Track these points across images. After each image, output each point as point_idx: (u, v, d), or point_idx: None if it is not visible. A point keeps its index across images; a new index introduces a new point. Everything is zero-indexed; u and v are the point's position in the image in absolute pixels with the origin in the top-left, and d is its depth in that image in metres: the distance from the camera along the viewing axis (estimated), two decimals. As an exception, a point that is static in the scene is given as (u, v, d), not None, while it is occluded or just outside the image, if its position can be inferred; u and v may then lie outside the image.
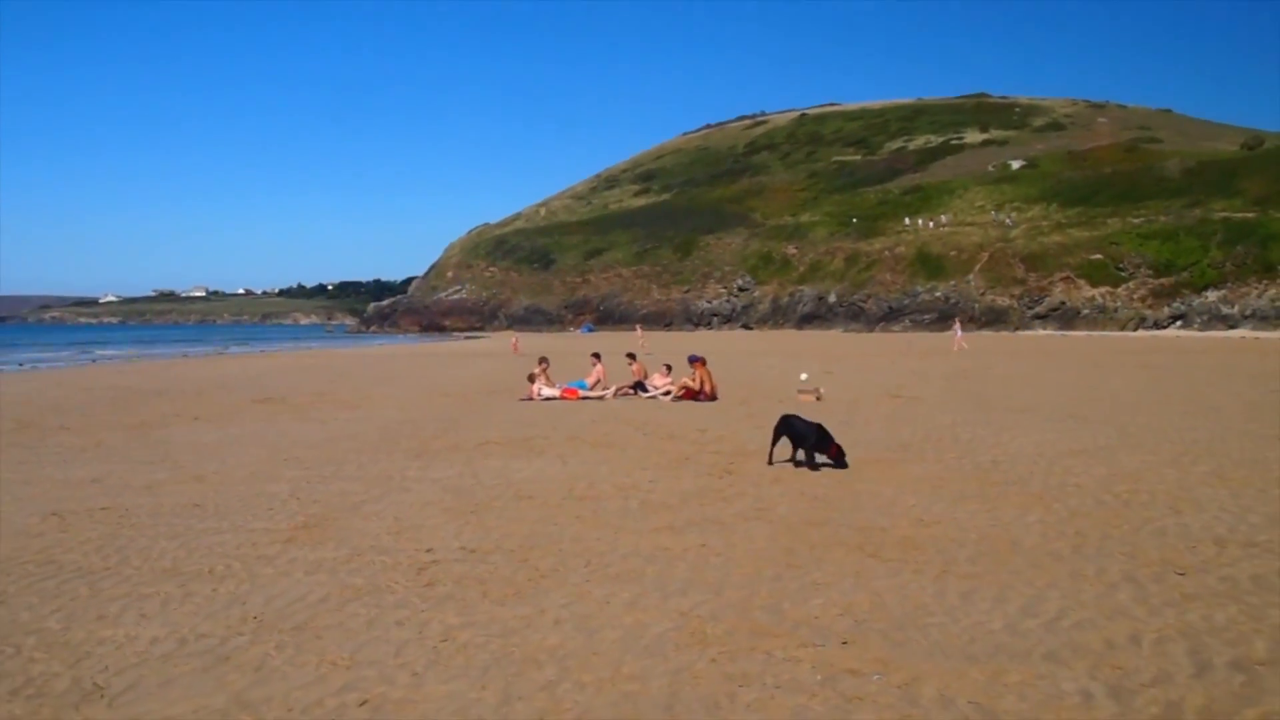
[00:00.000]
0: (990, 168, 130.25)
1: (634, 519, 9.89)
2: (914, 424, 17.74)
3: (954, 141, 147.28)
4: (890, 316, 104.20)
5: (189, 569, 8.04)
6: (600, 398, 23.85)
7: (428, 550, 8.57)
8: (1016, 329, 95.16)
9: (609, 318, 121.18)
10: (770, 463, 13.26)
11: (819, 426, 13.32)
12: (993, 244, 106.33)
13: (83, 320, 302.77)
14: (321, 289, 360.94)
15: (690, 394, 22.72)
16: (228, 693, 5.40)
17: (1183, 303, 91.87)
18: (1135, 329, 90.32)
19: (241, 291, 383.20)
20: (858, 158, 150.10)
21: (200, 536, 9.20)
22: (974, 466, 13.00)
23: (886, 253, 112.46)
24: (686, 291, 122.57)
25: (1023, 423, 17.97)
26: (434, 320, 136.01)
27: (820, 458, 13.05)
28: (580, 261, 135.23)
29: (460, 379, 33.16)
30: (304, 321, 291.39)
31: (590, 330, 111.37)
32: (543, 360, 24.95)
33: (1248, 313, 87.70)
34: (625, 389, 24.36)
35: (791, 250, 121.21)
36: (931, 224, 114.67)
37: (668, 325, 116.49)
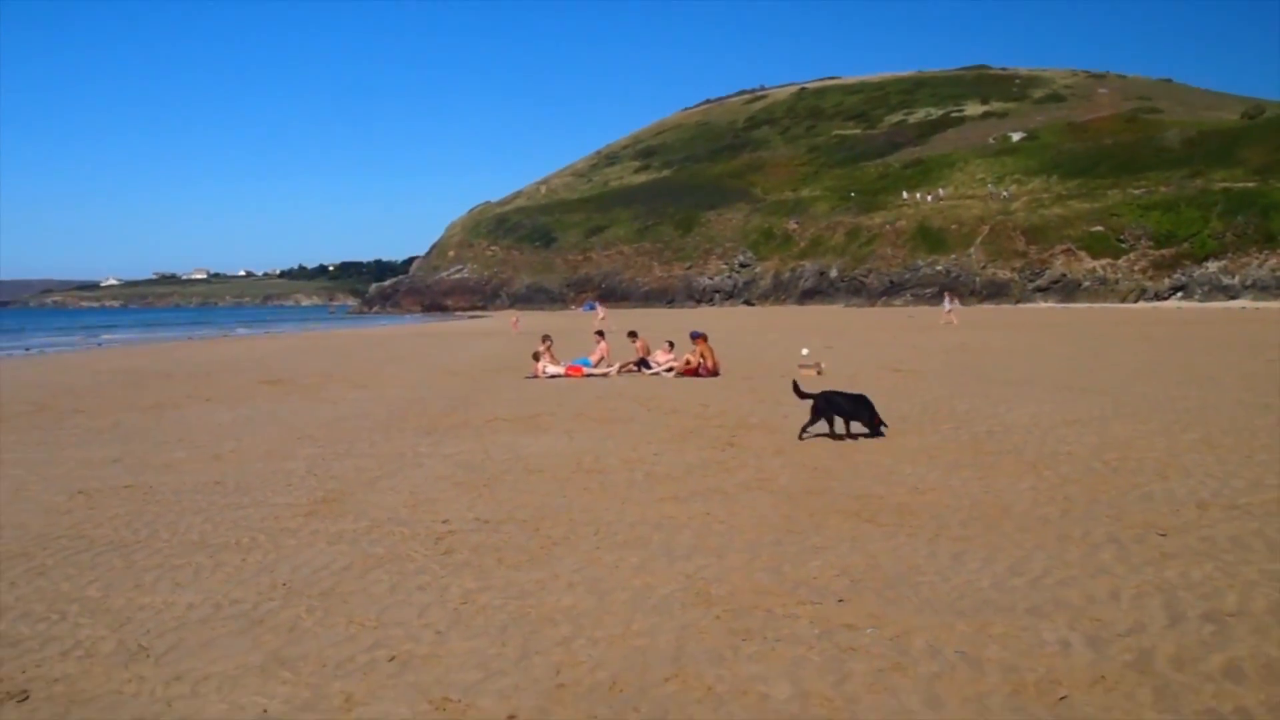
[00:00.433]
0: (991, 140, 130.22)
1: (640, 490, 10.26)
2: (912, 397, 18.09)
3: (954, 114, 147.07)
4: (891, 291, 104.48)
5: (216, 541, 8.42)
6: (604, 375, 24.22)
7: (444, 521, 8.95)
8: (1018, 302, 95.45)
9: (611, 295, 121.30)
10: (801, 438, 13.46)
11: (862, 396, 13.77)
12: (993, 217, 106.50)
13: (84, 304, 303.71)
14: (323, 270, 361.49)
15: (692, 370, 23.09)
16: (264, 651, 5.79)
17: (1183, 274, 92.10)
18: (1136, 301, 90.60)
19: (242, 273, 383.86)
20: (858, 131, 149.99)
21: (224, 511, 9.59)
22: (970, 437, 13.36)
23: (887, 227, 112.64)
24: (688, 268, 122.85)
25: (1020, 394, 18.32)
26: (436, 300, 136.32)
27: (855, 425, 13.48)
28: (582, 239, 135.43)
29: (465, 358, 33.54)
30: (306, 303, 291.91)
31: (593, 308, 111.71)
32: (546, 338, 25.30)
33: (1248, 283, 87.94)
34: (629, 366, 24.73)
35: (792, 225, 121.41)
36: (930, 198, 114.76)
37: (670, 302, 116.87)
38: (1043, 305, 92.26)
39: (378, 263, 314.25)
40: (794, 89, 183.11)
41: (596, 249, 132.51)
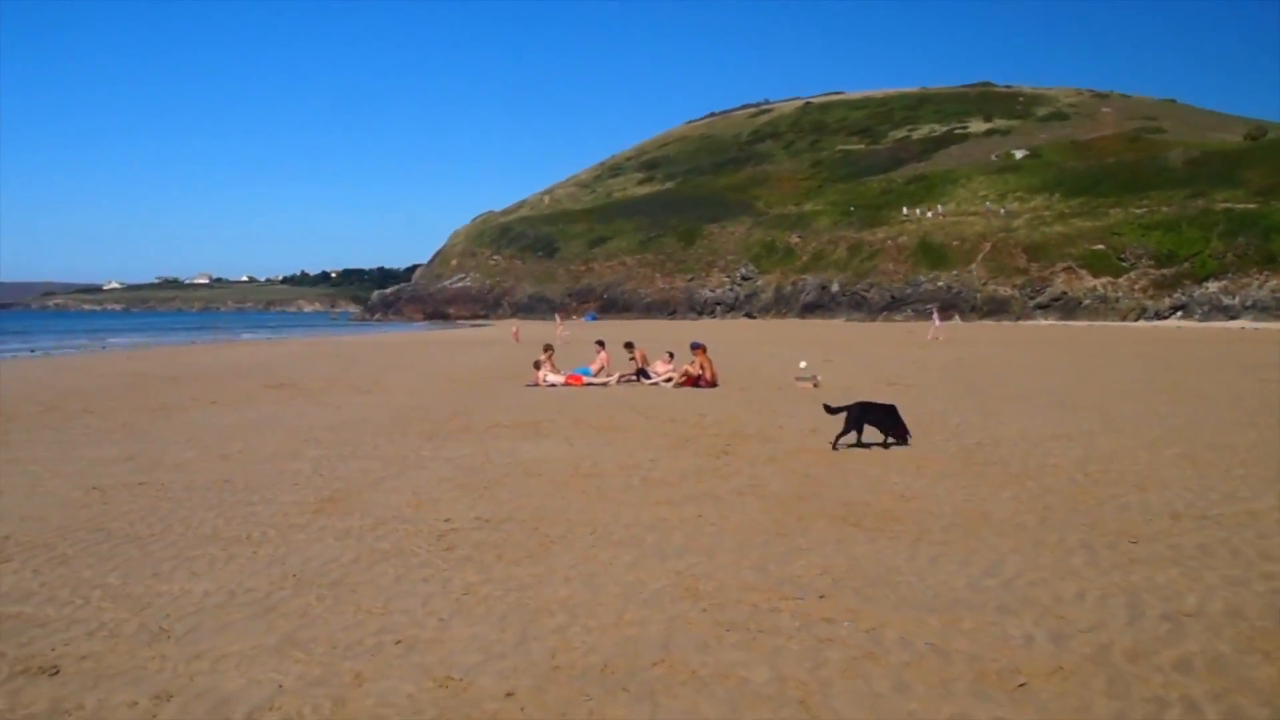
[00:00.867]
0: (994, 157, 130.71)
1: (635, 494, 10.64)
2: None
3: (958, 131, 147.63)
4: (893, 306, 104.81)
5: (228, 535, 8.80)
6: (604, 384, 24.58)
7: (446, 520, 9.33)
8: (1018, 319, 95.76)
9: (613, 306, 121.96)
10: (835, 448, 13.74)
11: (891, 407, 14.29)
12: (995, 234, 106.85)
13: (87, 307, 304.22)
14: (325, 276, 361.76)
15: (691, 380, 23.44)
16: (278, 634, 6.17)
17: (1184, 293, 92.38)
18: (1136, 319, 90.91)
19: (245, 279, 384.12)
20: (861, 147, 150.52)
21: (234, 508, 9.97)
22: (959, 449, 13.73)
23: (889, 242, 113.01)
24: (690, 280, 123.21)
25: (1012, 409, 18.69)
26: (438, 308, 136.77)
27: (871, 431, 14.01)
28: (584, 250, 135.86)
29: (467, 366, 33.91)
30: (308, 309, 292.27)
31: (594, 319, 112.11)
32: (548, 347, 25.67)
33: (1249, 304, 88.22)
34: (628, 376, 25.09)
35: (795, 239, 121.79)
36: (930, 214, 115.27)
37: (671, 314, 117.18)
38: (1043, 322, 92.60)
39: (380, 270, 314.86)
40: (798, 103, 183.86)
41: (599, 260, 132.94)
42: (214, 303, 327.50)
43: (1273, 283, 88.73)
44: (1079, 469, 12.03)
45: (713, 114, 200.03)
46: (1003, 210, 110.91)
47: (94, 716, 5.04)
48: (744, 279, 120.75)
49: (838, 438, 13.93)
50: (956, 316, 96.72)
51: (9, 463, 13.03)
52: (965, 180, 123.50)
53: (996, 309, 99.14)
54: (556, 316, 74.48)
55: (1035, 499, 10.22)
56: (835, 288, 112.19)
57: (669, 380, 23.93)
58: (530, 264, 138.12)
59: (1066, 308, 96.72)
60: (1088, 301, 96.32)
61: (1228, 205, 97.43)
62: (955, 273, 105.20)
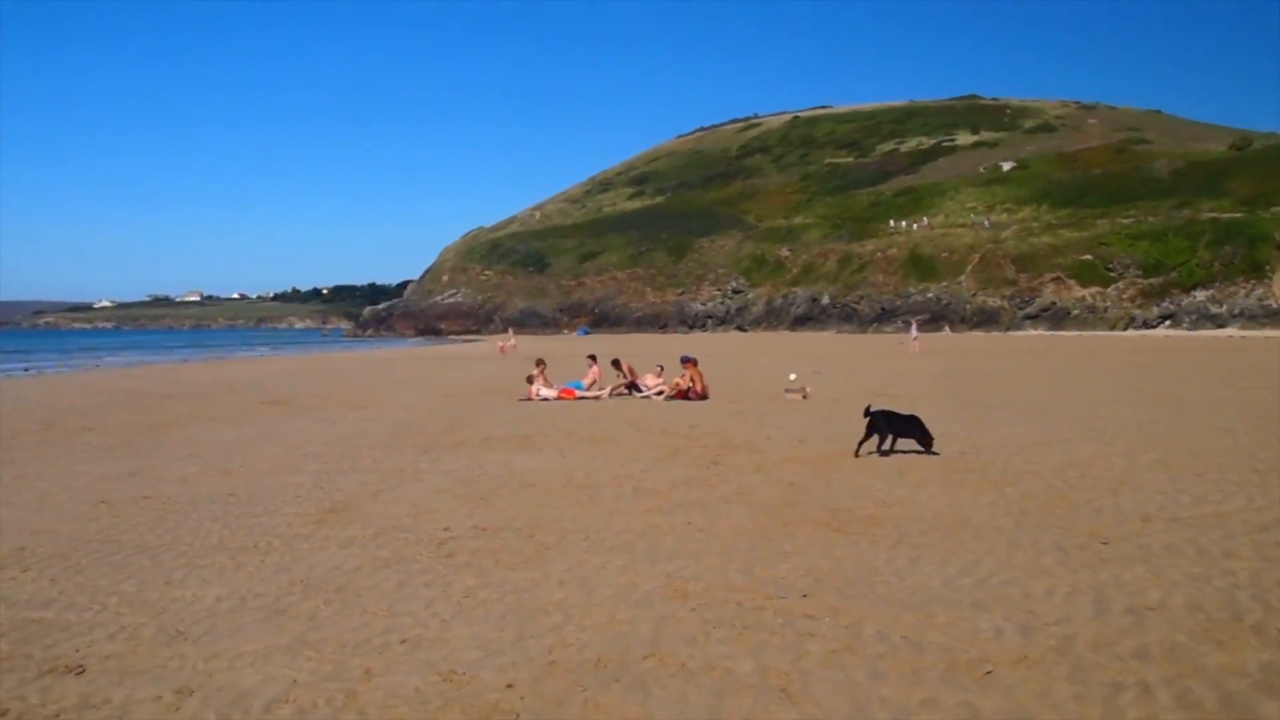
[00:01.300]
0: (981, 169, 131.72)
1: (627, 503, 11.00)
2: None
3: (945, 143, 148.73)
4: (883, 317, 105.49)
5: (235, 545, 9.14)
6: (596, 398, 24.93)
7: (445, 529, 9.68)
8: (1008, 329, 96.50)
9: (604, 320, 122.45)
10: (857, 455, 14.14)
11: (914, 417, 14.67)
12: (983, 245, 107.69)
13: (77, 325, 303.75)
14: (316, 293, 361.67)
15: (682, 393, 23.81)
16: (290, 634, 6.52)
17: (1171, 302, 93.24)
18: (1125, 329, 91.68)
19: (236, 296, 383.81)
20: (850, 160, 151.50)
21: (239, 519, 10.30)
22: (942, 456, 14.09)
23: (879, 254, 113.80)
24: (681, 294, 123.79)
25: (995, 418, 19.09)
26: (430, 324, 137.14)
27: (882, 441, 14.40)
28: (575, 264, 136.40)
29: (460, 381, 34.25)
30: (299, 325, 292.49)
31: (586, 333, 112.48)
32: (540, 362, 26.04)
33: (1236, 312, 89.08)
34: (620, 389, 25.45)
35: (785, 252, 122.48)
36: (915, 226, 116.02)
37: (663, 327, 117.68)
38: (1033, 333, 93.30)
39: (371, 286, 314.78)
40: (787, 117, 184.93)
41: (590, 274, 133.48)
42: (205, 320, 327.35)
43: (1259, 291, 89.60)
44: (1057, 475, 12.41)
45: (702, 129, 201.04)
46: (986, 222, 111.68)
47: (121, 710, 5.38)
48: (735, 292, 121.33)
49: (860, 444, 14.37)
50: (947, 328, 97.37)
51: (16, 478, 13.34)
52: (953, 192, 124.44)
53: (986, 320, 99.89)
54: (509, 330, 74.63)
55: (1013, 504, 10.59)
56: (826, 300, 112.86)
57: (660, 393, 24.29)
58: (521, 279, 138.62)
59: (1055, 318, 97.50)
60: (1076, 311, 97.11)
61: (1214, 215, 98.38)
62: (945, 284, 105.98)
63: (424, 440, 16.99)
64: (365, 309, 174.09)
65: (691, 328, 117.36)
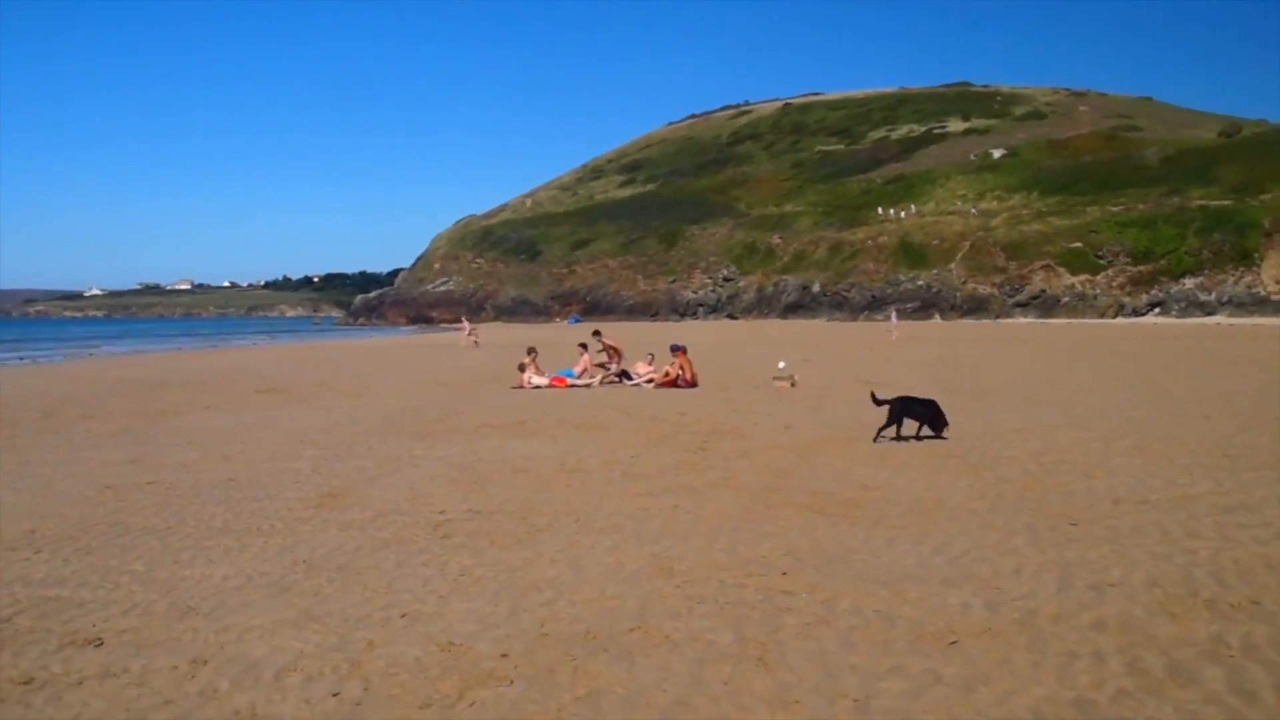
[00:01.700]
0: (972, 156, 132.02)
1: (617, 487, 11.37)
2: (878, 408, 19.19)
3: (936, 130, 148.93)
4: (874, 305, 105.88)
5: (239, 527, 9.50)
6: (587, 386, 25.28)
7: (440, 512, 10.04)
8: (998, 317, 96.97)
9: (596, 308, 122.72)
10: (900, 438, 14.60)
11: (931, 401, 15.18)
12: (974, 233, 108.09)
13: (68, 314, 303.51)
14: (307, 281, 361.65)
15: (671, 381, 24.18)
16: (296, 609, 6.89)
17: (1161, 290, 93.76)
18: (1114, 316, 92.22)
19: (226, 284, 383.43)
20: (841, 147, 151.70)
21: (241, 504, 10.66)
22: (923, 443, 14.47)
23: (869, 242, 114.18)
24: (672, 282, 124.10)
25: (978, 405, 19.46)
26: (421, 312, 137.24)
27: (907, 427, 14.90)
28: (567, 252, 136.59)
29: (453, 369, 34.58)
30: (290, 314, 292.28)
31: (577, 321, 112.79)
32: (531, 350, 26.38)
33: (1225, 299, 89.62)
34: (611, 377, 25.81)
35: (776, 240, 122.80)
36: (904, 214, 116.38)
37: (654, 315, 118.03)
38: (1022, 320, 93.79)
39: (363, 274, 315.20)
40: (778, 104, 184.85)
41: (581, 262, 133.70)
42: (196, 308, 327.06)
43: (1248, 279, 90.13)
44: (1034, 460, 12.79)
45: (693, 116, 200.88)
46: (973, 210, 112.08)
47: (140, 678, 5.73)
48: (726, 280, 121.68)
49: (880, 430, 14.79)
50: (937, 315, 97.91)
51: (20, 465, 13.68)
52: (944, 180, 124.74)
53: (976, 307, 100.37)
54: (464, 320, 74.71)
55: (989, 487, 10.98)
56: (816, 288, 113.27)
57: (650, 381, 24.65)
58: (513, 267, 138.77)
59: (1045, 305, 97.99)
60: (1066, 299, 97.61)
61: (1203, 202, 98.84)
62: (935, 272, 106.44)
63: (419, 427, 17.34)
64: (356, 297, 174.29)
65: (683, 315, 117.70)
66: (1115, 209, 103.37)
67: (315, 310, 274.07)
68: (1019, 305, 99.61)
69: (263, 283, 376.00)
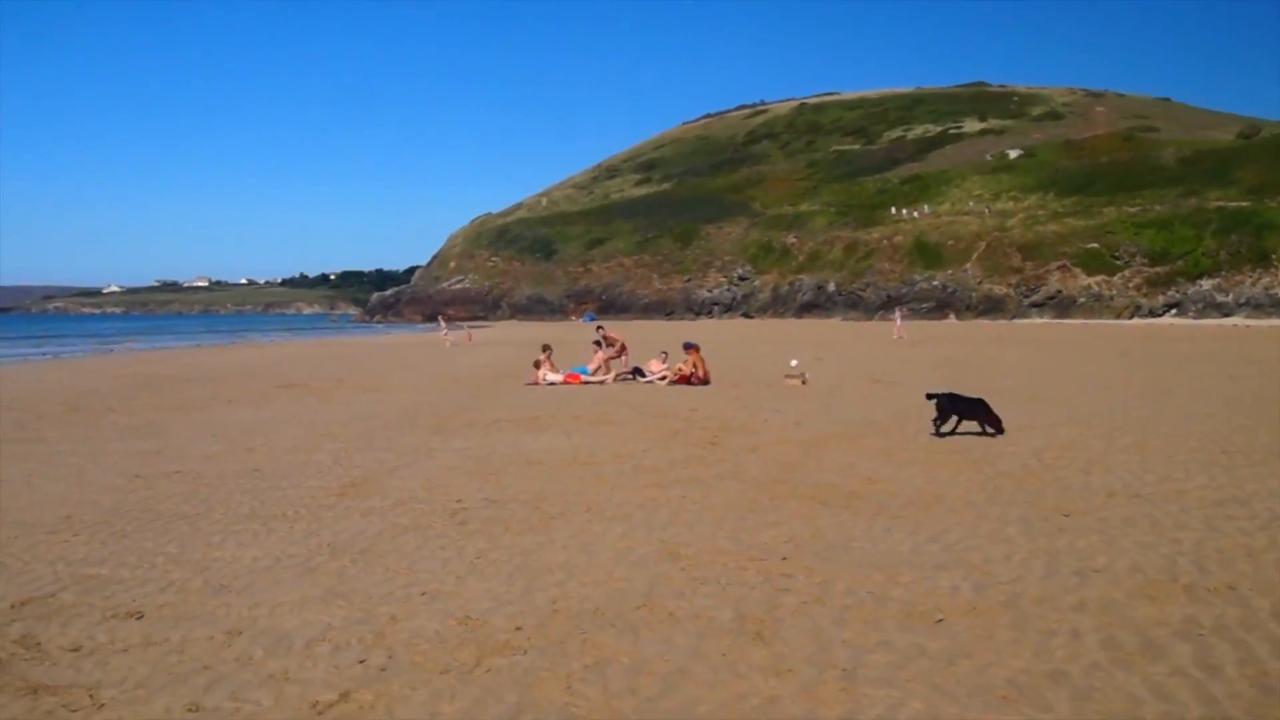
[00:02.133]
0: (988, 157, 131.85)
1: (627, 479, 11.77)
2: (886, 405, 19.58)
3: (952, 131, 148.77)
4: (889, 305, 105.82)
5: (265, 514, 9.94)
6: (601, 383, 25.68)
7: (457, 500, 10.47)
8: (1014, 318, 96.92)
9: (611, 307, 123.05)
10: (939, 434, 15.04)
11: (980, 400, 15.51)
12: (989, 233, 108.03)
13: (86, 310, 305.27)
14: (324, 279, 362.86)
15: (684, 378, 24.55)
16: (323, 587, 7.32)
17: (1178, 291, 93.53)
18: (1131, 317, 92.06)
19: (244, 281, 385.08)
20: (857, 147, 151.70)
21: (267, 492, 11.11)
22: (928, 439, 14.83)
23: (885, 242, 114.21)
24: (687, 281, 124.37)
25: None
26: (437, 310, 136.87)
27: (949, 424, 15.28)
28: (582, 251, 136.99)
29: (468, 366, 35.05)
30: (307, 311, 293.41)
31: (593, 319, 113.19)
32: (547, 347, 26.80)
33: (1242, 301, 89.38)
34: (624, 374, 26.22)
35: (791, 239, 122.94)
36: (917, 214, 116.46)
37: (669, 314, 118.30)
38: (1038, 321, 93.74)
39: (379, 272, 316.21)
40: (794, 104, 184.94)
41: (597, 261, 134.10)
42: (213, 305, 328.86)
43: (1265, 280, 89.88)
44: (1034, 456, 13.14)
45: (708, 115, 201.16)
46: (986, 210, 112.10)
47: (180, 647, 6.16)
48: (741, 279, 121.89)
49: (938, 426, 15.22)
50: (952, 315, 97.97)
51: (51, 455, 14.17)
52: (960, 180, 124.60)
53: (992, 308, 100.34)
54: (440, 320, 75.06)
55: (988, 481, 11.34)
56: (832, 287, 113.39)
57: (663, 378, 25.02)
58: (528, 265, 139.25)
59: (1061, 306, 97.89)
60: (1082, 300, 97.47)
61: (1221, 203, 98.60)
62: (950, 272, 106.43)
63: (435, 421, 17.77)
64: (373, 295, 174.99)
65: (698, 314, 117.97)
66: (1132, 210, 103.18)
67: (332, 308, 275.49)
68: (1035, 306, 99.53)
69: (280, 280, 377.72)
